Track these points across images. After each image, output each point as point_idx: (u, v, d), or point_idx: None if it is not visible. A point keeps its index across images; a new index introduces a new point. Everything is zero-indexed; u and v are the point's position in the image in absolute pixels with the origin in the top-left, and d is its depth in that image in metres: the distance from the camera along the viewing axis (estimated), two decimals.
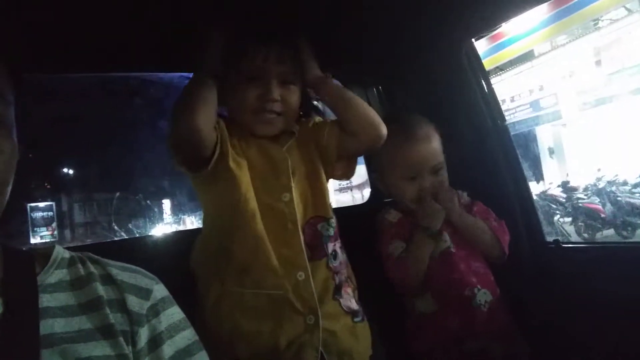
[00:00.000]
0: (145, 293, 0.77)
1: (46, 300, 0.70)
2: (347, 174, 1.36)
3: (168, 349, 0.75)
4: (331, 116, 1.35)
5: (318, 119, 1.37)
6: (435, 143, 1.46)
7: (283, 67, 1.23)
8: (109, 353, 0.68)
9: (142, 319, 0.74)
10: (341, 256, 1.29)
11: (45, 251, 0.76)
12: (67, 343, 0.67)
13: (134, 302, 0.74)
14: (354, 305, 1.27)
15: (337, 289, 1.24)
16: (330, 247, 1.25)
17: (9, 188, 0.72)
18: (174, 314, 0.79)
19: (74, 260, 0.76)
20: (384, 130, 1.27)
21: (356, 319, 1.26)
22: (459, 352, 1.39)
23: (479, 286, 1.41)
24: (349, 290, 1.28)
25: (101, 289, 0.73)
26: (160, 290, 0.80)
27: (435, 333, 1.41)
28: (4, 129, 0.71)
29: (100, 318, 0.71)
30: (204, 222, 1.29)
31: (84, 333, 0.69)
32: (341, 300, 1.24)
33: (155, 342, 0.74)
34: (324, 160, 1.31)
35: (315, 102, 1.40)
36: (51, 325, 0.67)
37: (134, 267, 0.81)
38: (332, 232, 1.26)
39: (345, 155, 1.32)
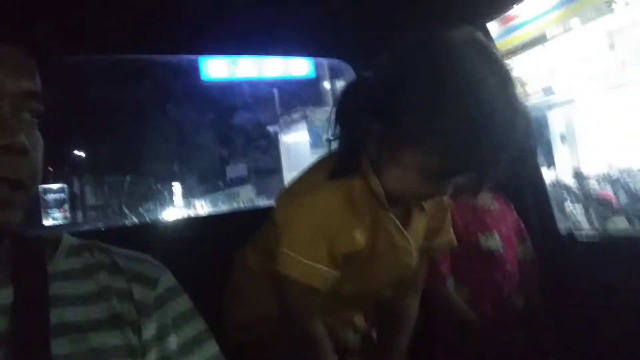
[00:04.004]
0: (151, 282, 0.76)
1: (55, 288, 0.69)
2: None
3: (175, 339, 0.74)
4: None
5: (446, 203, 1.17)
6: None
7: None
8: (118, 343, 0.68)
9: (148, 309, 0.73)
10: None
11: (53, 238, 0.76)
12: (77, 332, 0.66)
13: (140, 292, 0.74)
14: None
15: None
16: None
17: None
18: (182, 303, 0.78)
19: (82, 248, 0.76)
20: None
21: None
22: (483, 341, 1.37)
23: (517, 288, 1.40)
24: None
25: (109, 278, 0.73)
26: (167, 280, 0.79)
27: None
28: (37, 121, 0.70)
29: (108, 307, 0.70)
30: None
31: (93, 322, 0.68)
32: None
33: (162, 332, 0.73)
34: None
35: None
36: (61, 314, 0.67)
37: (141, 255, 0.80)
38: None
39: None
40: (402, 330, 1.22)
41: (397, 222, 1.04)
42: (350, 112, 1.01)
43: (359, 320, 1.19)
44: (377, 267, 1.06)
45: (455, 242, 1.22)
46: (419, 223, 1.11)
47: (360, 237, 0.99)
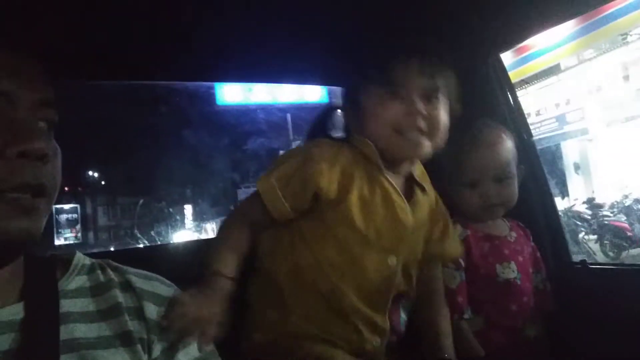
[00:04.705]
0: (163, 301, 0.77)
1: (66, 305, 0.70)
2: None
3: (183, 357, 0.75)
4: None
5: (445, 212, 1.29)
6: (500, 151, 1.40)
7: (425, 80, 1.12)
8: None
9: (159, 327, 0.74)
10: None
11: (66, 257, 0.77)
12: (87, 349, 0.67)
13: (151, 309, 0.75)
14: None
15: None
16: (400, 330, 1.21)
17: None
18: None
19: (94, 267, 0.77)
20: None
21: None
22: None
23: (532, 320, 1.38)
24: None
25: (120, 296, 0.74)
26: None
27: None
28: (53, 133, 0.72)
29: (119, 325, 0.71)
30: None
31: (103, 339, 0.69)
32: None
33: (171, 350, 0.74)
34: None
35: None
36: (71, 331, 0.68)
37: (152, 274, 0.82)
38: (405, 318, 1.23)
39: None
40: (439, 307, 1.27)
41: (391, 181, 1.14)
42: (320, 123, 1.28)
43: (382, 321, 1.15)
44: (377, 220, 1.11)
45: (462, 250, 1.31)
46: (423, 201, 1.21)
47: (329, 183, 1.08)
